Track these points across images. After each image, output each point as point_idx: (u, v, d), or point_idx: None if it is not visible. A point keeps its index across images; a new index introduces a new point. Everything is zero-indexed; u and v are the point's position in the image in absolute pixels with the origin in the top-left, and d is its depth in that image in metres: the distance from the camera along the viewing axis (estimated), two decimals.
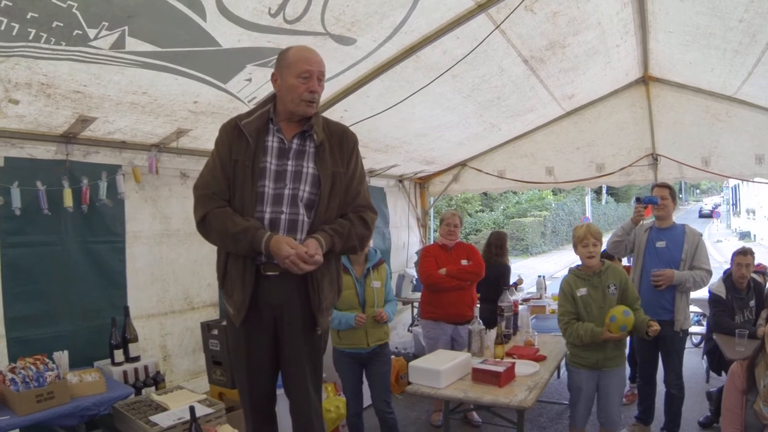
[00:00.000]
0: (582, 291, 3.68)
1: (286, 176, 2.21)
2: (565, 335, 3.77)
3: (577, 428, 3.86)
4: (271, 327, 2.27)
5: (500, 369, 3.47)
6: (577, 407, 3.81)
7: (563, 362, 6.45)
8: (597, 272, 3.70)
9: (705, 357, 5.44)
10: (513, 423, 3.44)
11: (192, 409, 2.99)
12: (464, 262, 4.78)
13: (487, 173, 7.60)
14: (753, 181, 7.24)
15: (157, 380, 3.85)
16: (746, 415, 2.65)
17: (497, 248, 5.78)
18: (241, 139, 2.21)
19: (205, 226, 2.22)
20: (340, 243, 2.24)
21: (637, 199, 4.47)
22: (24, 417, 2.85)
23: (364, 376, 4.12)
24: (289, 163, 2.23)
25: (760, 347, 2.71)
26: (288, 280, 2.21)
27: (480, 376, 3.51)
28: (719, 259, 16.37)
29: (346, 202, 2.32)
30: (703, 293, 5.22)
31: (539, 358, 3.95)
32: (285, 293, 2.23)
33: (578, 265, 3.84)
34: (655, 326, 3.58)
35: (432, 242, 8.39)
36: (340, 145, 2.34)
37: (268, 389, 2.41)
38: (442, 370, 3.46)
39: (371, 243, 4.03)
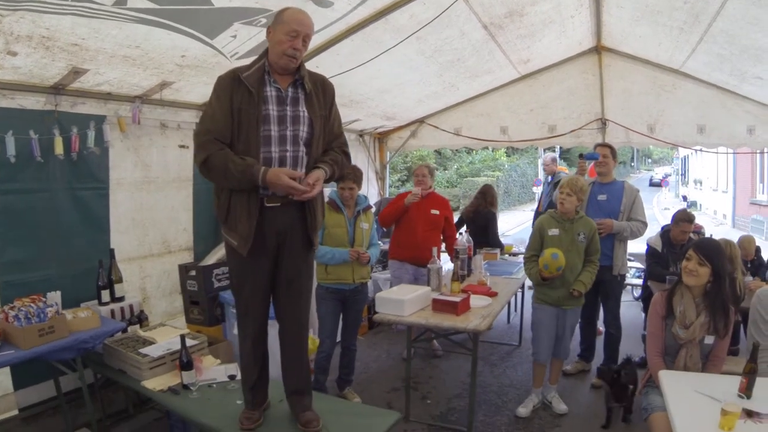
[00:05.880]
0: (554, 231, 4.09)
1: (286, 120, 2.53)
2: (524, 268, 4.26)
3: (540, 362, 4.24)
4: (273, 252, 2.61)
5: (457, 299, 3.85)
6: (541, 342, 4.18)
7: (513, 307, 7.00)
8: (570, 219, 4.10)
9: (641, 303, 5.88)
10: (469, 350, 3.83)
11: (182, 338, 3.26)
12: (434, 211, 5.18)
13: (444, 130, 7.75)
14: (694, 149, 7.56)
15: (141, 318, 4.08)
16: (666, 337, 3.08)
17: (485, 199, 6.55)
18: (243, 90, 2.48)
19: (207, 167, 2.48)
20: (338, 171, 2.70)
21: (581, 155, 4.88)
22: (28, 351, 3.01)
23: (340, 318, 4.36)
24: (288, 108, 2.55)
25: (678, 279, 3.13)
26: (289, 209, 2.57)
27: (439, 306, 3.89)
28: (664, 224, 16.99)
29: (329, 140, 2.71)
30: (642, 248, 5.69)
31: (491, 294, 4.31)
32: (288, 220, 2.59)
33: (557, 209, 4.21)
34: (577, 293, 4.08)
35: (387, 195, 8.71)
36: (324, 93, 2.69)
37: (265, 310, 2.74)
38: (405, 300, 3.84)
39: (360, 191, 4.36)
